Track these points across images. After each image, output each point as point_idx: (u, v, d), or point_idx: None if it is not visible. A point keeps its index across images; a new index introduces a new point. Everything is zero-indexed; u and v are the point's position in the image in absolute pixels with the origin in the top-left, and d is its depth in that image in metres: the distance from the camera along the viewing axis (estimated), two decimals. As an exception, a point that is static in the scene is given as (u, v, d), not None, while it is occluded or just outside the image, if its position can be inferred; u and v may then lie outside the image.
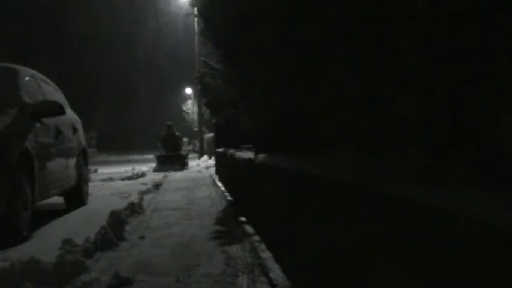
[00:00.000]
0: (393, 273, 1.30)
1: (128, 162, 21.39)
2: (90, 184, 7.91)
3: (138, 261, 3.37)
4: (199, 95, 20.51)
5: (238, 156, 5.46)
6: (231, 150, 6.56)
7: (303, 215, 2.37)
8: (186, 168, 15.45)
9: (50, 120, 5.27)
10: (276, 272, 2.74)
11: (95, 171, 14.10)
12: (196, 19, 12.66)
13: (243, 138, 6.57)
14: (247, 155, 4.73)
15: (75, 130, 6.51)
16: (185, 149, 27.27)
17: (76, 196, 6.51)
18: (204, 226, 4.71)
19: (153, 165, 15.70)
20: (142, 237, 4.17)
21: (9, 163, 4.11)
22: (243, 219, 4.56)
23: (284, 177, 2.76)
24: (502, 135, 1.17)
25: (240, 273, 2.96)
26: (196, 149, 28.73)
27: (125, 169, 14.64)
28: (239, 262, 3.22)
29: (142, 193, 7.47)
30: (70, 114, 6.54)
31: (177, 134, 17.10)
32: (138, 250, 3.74)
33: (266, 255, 3.14)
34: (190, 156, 22.43)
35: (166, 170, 13.76)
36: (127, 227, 4.48)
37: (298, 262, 2.49)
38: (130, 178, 11.44)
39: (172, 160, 15.29)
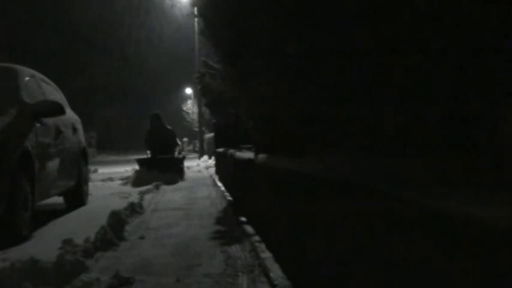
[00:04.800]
0: (394, 274, 1.30)
1: (128, 162, 21.34)
2: (90, 184, 7.91)
3: (138, 261, 3.37)
4: (199, 95, 20.46)
5: (238, 156, 5.46)
6: (231, 150, 6.56)
7: (303, 215, 2.37)
8: (182, 178, 10.71)
9: (50, 120, 5.27)
10: (276, 272, 2.74)
11: (95, 171, 14.06)
12: (196, 19, 12.67)
13: (243, 138, 6.57)
14: (247, 155, 4.73)
15: (75, 130, 6.51)
16: (185, 148, 26.32)
17: (76, 196, 6.51)
18: (204, 226, 4.71)
19: None
20: (142, 237, 4.17)
21: (9, 163, 4.11)
22: (243, 219, 4.56)
23: (284, 177, 2.77)
24: (502, 135, 1.17)
25: (240, 273, 2.96)
26: (196, 149, 28.75)
27: (125, 169, 14.53)
28: (239, 262, 3.22)
29: (142, 193, 7.47)
30: (70, 114, 6.54)
31: (168, 127, 11.53)
32: (138, 250, 3.74)
33: (266, 255, 3.14)
34: (190, 156, 21.80)
35: (150, 182, 8.92)
36: (127, 227, 4.48)
37: (298, 263, 2.49)
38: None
39: (162, 166, 10.15)
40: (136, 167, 10.88)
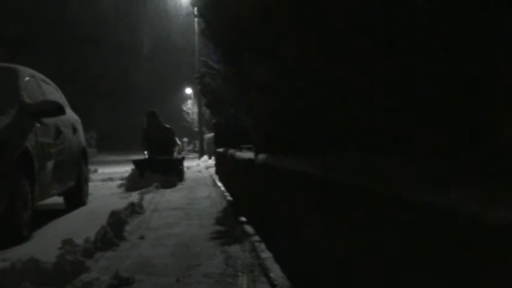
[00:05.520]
0: (393, 274, 1.30)
1: (128, 162, 21.30)
2: (90, 184, 7.90)
3: (138, 261, 3.37)
4: (199, 95, 20.47)
5: (238, 156, 5.47)
6: (231, 150, 6.56)
7: (303, 215, 2.37)
8: (181, 180, 10.04)
9: (50, 120, 5.27)
10: (276, 272, 2.74)
11: (95, 171, 14.06)
12: (196, 19, 12.65)
13: (243, 138, 6.57)
14: (247, 155, 4.73)
15: (75, 130, 6.51)
16: (185, 148, 26.14)
17: (76, 196, 6.51)
18: (204, 226, 4.71)
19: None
20: (142, 237, 4.17)
21: (9, 163, 4.11)
22: (243, 219, 4.56)
23: (284, 177, 2.76)
24: (502, 135, 1.17)
25: (240, 273, 2.96)
26: (196, 149, 28.76)
27: (125, 169, 14.46)
28: (239, 262, 3.22)
29: (142, 193, 7.47)
30: (70, 114, 6.54)
31: (167, 126, 10.73)
32: (138, 250, 3.74)
33: (266, 255, 3.14)
34: (190, 156, 21.71)
35: (147, 185, 8.28)
36: (127, 227, 4.48)
37: (297, 263, 2.49)
38: (130, 178, 11.32)
39: (160, 168, 9.30)
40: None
